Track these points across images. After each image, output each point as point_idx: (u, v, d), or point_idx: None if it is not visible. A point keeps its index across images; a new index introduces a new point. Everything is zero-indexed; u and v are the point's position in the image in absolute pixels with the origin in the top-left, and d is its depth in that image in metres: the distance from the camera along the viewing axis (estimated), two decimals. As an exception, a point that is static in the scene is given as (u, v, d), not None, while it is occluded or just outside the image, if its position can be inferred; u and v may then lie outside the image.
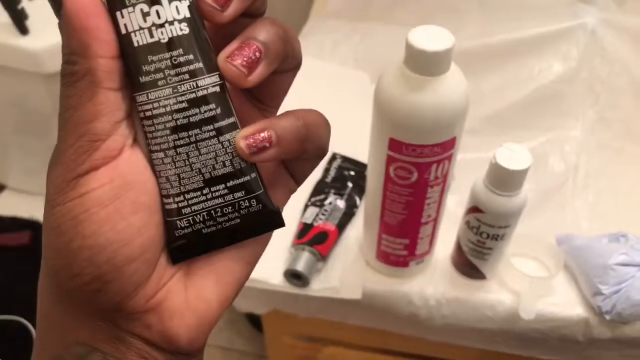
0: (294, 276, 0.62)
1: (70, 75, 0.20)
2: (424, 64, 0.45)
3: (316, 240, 0.63)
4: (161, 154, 0.22)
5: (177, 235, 0.23)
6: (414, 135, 0.48)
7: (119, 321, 0.22)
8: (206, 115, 0.22)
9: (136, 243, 0.21)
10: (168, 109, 0.22)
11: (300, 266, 0.61)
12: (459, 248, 0.62)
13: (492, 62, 0.82)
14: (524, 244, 0.64)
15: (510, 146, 0.53)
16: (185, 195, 0.22)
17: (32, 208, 1.11)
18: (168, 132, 0.22)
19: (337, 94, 0.85)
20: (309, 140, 0.23)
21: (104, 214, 0.20)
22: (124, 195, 0.21)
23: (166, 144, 0.22)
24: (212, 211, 0.23)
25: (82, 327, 0.22)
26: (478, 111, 0.78)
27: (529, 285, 0.61)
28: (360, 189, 0.71)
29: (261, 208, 0.23)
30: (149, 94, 0.21)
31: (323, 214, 0.66)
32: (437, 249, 0.64)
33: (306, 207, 0.68)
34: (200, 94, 0.22)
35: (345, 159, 0.74)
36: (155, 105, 0.22)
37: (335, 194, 0.69)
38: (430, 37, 0.45)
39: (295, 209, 0.68)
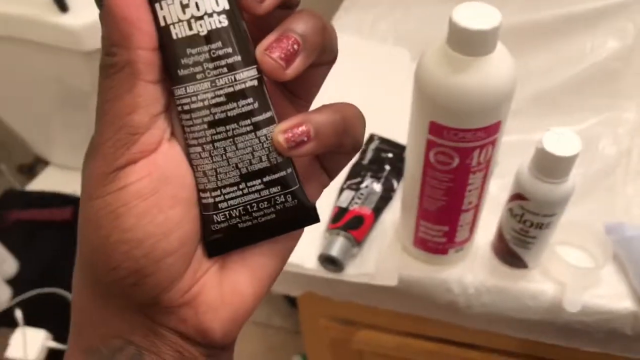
0: (329, 261, 0.61)
1: (110, 67, 0.20)
2: (468, 44, 0.42)
3: (351, 225, 0.62)
4: (198, 148, 0.22)
5: (213, 229, 0.23)
6: (456, 119, 0.46)
7: (154, 315, 0.22)
8: (244, 109, 0.22)
9: (174, 237, 0.21)
10: (206, 103, 0.21)
11: (334, 251, 0.60)
12: (500, 236, 0.59)
13: (540, 38, 0.78)
14: (570, 232, 0.61)
15: (558, 130, 0.50)
16: (222, 189, 0.22)
17: (75, 184, 1.14)
18: (205, 126, 0.22)
19: (376, 72, 0.83)
20: (346, 134, 0.23)
21: (143, 208, 0.20)
22: (162, 189, 0.21)
23: (203, 138, 0.22)
24: (248, 206, 0.23)
25: (118, 320, 0.22)
26: (524, 91, 0.74)
27: (575, 276, 0.58)
28: (398, 172, 0.69)
29: (297, 203, 0.23)
30: (187, 88, 0.21)
31: (359, 198, 0.65)
32: (478, 235, 0.62)
33: (341, 190, 0.66)
34: (238, 87, 0.21)
35: (383, 140, 0.72)
36: (193, 99, 0.21)
37: (371, 177, 0.67)
38: (475, 15, 0.42)
39: (330, 192, 0.67)
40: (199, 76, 0.21)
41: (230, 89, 0.21)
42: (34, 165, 1.38)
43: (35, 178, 1.24)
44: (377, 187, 0.66)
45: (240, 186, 0.22)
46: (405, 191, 0.58)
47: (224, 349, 0.24)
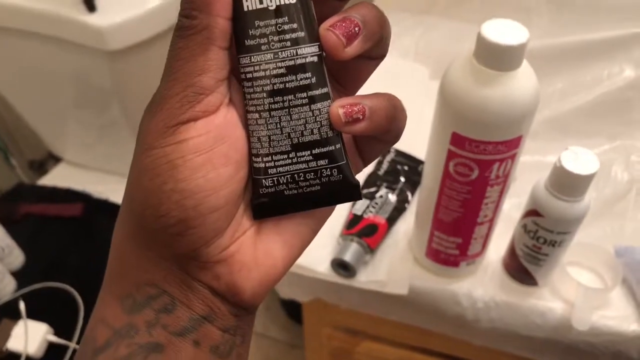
0: (341, 266, 0.62)
1: (187, 29, 0.22)
2: (496, 58, 0.43)
3: (365, 232, 0.63)
4: (256, 115, 0.23)
5: (261, 192, 0.24)
6: (478, 131, 0.47)
7: (191, 268, 0.23)
8: (302, 83, 0.23)
9: (222, 194, 0.22)
10: (267, 73, 0.23)
11: (347, 256, 0.61)
12: (512, 251, 0.60)
13: (558, 63, 0.79)
14: (581, 253, 0.62)
15: (576, 149, 0.51)
16: (273, 156, 0.24)
17: (85, 181, 1.15)
18: (265, 95, 0.23)
19: (395, 87, 0.84)
20: (394, 122, 0.24)
21: (197, 162, 0.22)
22: (217, 147, 0.22)
23: (262, 106, 0.23)
24: (296, 175, 0.24)
25: (157, 269, 0.23)
26: (540, 114, 0.76)
27: (584, 295, 0.58)
28: (412, 185, 0.70)
29: (341, 178, 0.24)
30: (252, 57, 0.23)
31: (373, 207, 0.65)
32: (490, 251, 0.62)
33: (357, 198, 0.67)
34: (299, 62, 0.23)
35: (399, 152, 0.73)
36: (256, 68, 0.23)
37: (387, 187, 0.68)
38: (504, 31, 0.43)
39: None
40: (263, 47, 0.22)
41: (292, 62, 0.23)
42: (45, 162, 1.39)
43: (46, 174, 1.24)
44: (392, 197, 0.67)
45: (291, 155, 0.24)
46: (421, 201, 0.59)
47: (248, 311, 0.25)
